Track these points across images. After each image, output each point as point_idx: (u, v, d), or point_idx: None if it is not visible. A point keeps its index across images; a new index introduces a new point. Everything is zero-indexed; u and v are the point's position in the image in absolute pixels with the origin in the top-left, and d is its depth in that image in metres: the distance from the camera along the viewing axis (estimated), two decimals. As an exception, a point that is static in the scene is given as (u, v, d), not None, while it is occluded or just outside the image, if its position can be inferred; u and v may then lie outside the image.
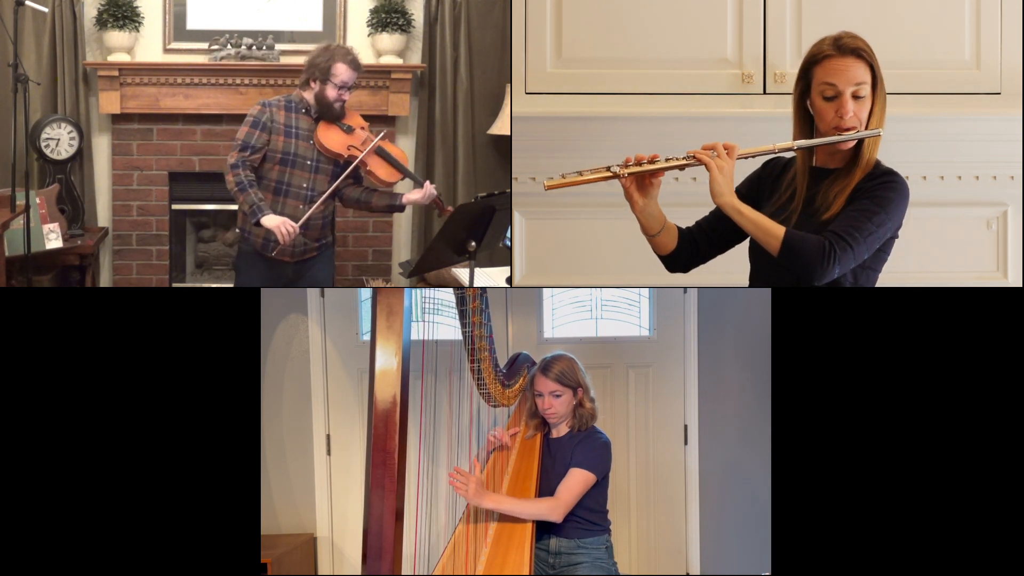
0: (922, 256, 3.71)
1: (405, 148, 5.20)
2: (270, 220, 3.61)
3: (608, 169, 2.34)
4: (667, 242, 2.48)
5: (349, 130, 3.81)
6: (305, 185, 3.76)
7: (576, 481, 2.68)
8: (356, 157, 3.76)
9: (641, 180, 2.36)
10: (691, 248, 2.51)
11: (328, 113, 3.78)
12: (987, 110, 3.68)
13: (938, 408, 2.49)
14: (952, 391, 2.49)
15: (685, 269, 2.55)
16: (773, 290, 2.50)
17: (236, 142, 3.71)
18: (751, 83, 3.71)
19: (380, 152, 3.84)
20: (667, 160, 2.34)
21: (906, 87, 3.66)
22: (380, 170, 3.84)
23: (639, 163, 2.34)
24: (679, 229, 2.50)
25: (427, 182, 3.86)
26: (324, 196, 3.74)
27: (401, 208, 3.92)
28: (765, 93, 3.70)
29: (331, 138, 3.77)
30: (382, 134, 3.87)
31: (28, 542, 2.41)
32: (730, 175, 2.31)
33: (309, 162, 3.75)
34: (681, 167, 2.35)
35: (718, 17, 3.72)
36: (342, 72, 3.74)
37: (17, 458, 2.44)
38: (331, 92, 3.75)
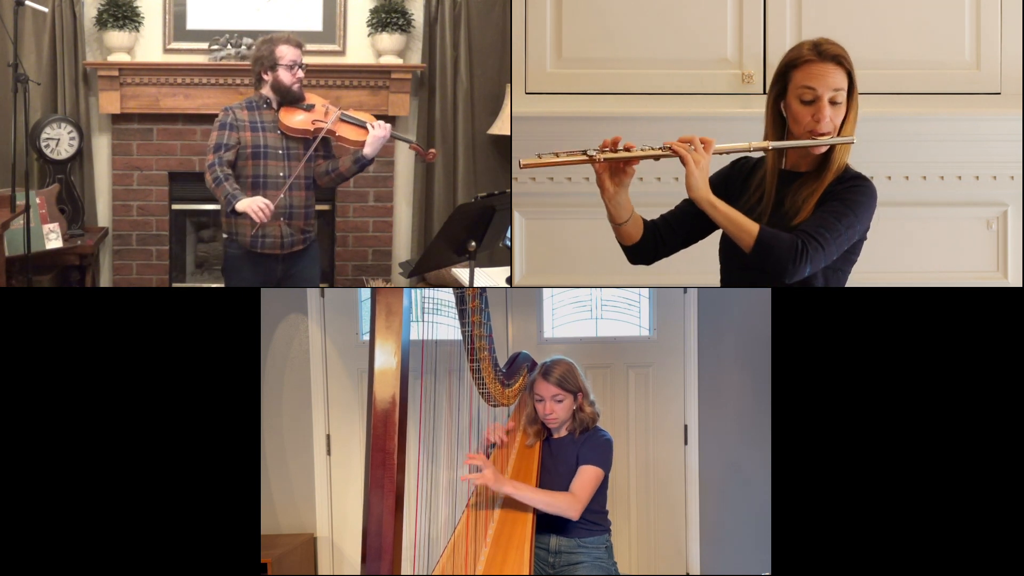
0: (922, 256, 3.71)
1: (405, 148, 5.21)
2: (243, 204, 3.65)
3: (584, 153, 2.34)
4: (633, 232, 2.47)
5: (310, 107, 3.87)
6: (281, 174, 3.81)
7: (589, 478, 2.69)
8: (322, 129, 3.80)
9: (615, 167, 2.36)
10: (655, 240, 2.51)
11: (288, 98, 3.84)
12: (987, 110, 3.68)
13: (938, 408, 2.49)
14: (952, 391, 2.49)
15: (648, 261, 2.55)
16: (773, 290, 2.50)
17: (209, 147, 3.80)
18: (751, 83, 3.71)
19: (344, 118, 3.88)
20: (643, 149, 2.35)
21: (906, 87, 3.67)
22: (349, 133, 3.87)
23: (614, 147, 2.34)
24: (645, 221, 2.51)
25: (376, 124, 3.83)
26: (293, 175, 3.77)
27: (366, 158, 3.86)
28: (765, 93, 3.68)
29: (294, 119, 3.83)
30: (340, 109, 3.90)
31: (28, 542, 2.41)
32: (706, 169, 2.33)
33: (280, 151, 3.81)
34: (656, 157, 2.35)
35: (718, 17, 3.72)
36: (287, 52, 3.80)
37: (17, 458, 2.44)
38: (284, 75, 3.81)
